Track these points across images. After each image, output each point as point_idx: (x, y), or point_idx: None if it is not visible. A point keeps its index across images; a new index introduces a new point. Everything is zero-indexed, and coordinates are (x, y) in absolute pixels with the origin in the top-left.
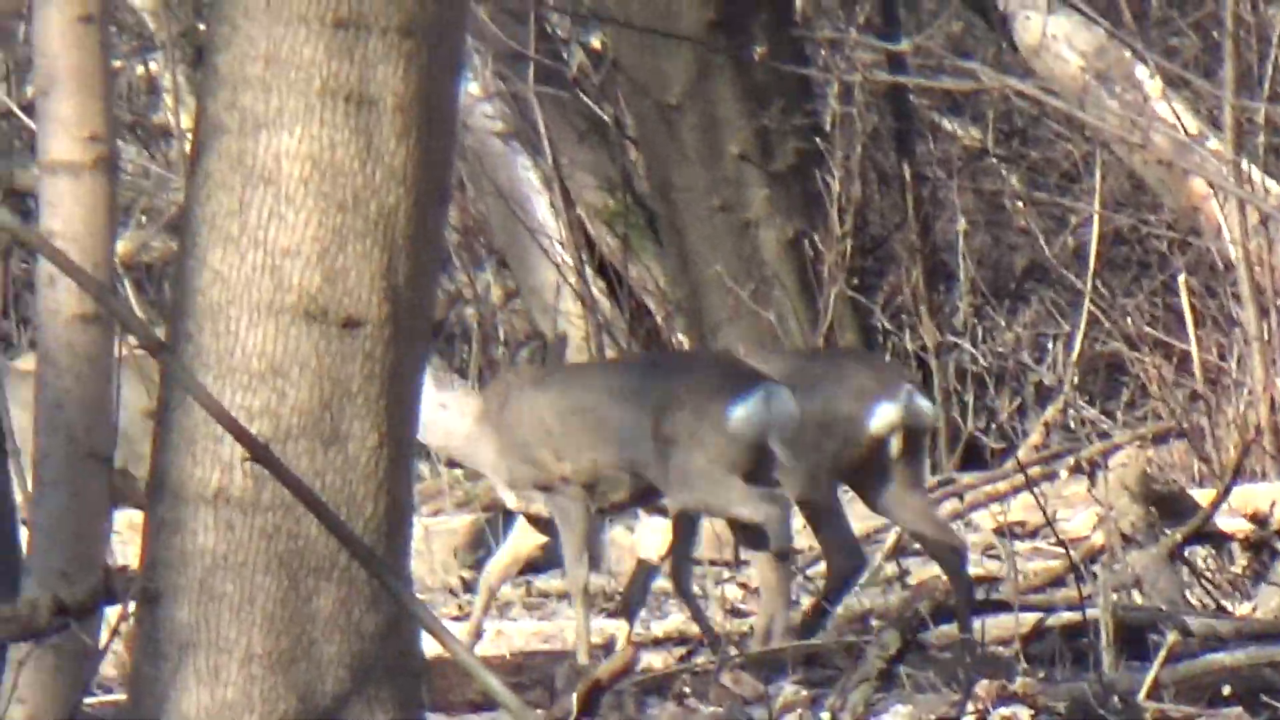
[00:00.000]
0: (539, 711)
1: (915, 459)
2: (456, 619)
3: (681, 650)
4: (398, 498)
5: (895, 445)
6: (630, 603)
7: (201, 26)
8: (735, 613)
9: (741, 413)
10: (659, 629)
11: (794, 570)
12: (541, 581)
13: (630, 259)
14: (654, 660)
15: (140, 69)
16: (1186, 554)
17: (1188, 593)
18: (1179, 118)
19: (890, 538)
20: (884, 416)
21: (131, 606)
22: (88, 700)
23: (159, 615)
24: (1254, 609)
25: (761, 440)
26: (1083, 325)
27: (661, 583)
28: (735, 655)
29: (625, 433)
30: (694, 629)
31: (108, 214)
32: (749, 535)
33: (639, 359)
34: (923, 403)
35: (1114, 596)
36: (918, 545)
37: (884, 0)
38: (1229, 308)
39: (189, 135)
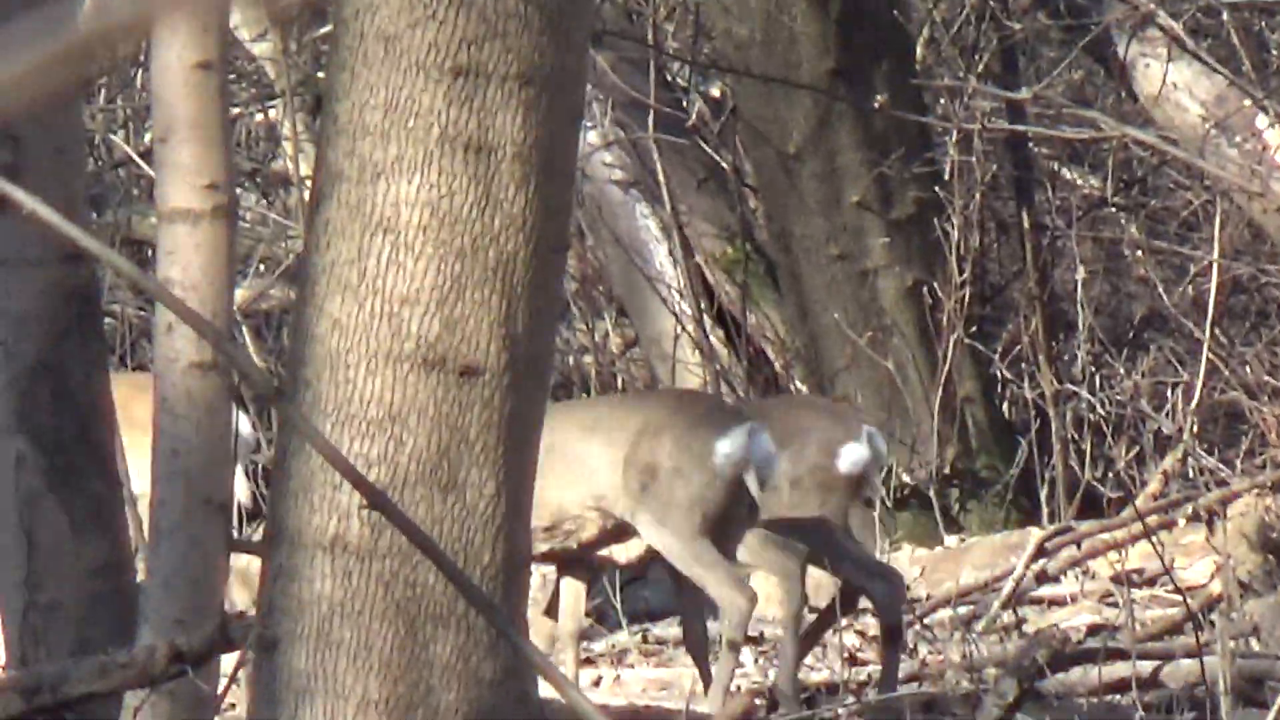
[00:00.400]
0: None
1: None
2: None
3: (801, 698)
4: (515, 546)
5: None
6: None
7: (320, 75)
8: (853, 660)
9: (727, 447)
10: (775, 676)
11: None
12: (660, 629)
13: (749, 307)
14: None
15: (259, 116)
16: None
17: None
18: None
19: (1008, 586)
20: (851, 457)
21: (249, 654)
22: None
23: (276, 662)
24: None
25: (741, 477)
26: (1201, 374)
27: (778, 630)
28: (854, 703)
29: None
30: (812, 678)
31: (227, 262)
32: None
33: (611, 397)
34: (881, 444)
35: (1232, 644)
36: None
37: (1004, 49)
38: None
39: (308, 183)
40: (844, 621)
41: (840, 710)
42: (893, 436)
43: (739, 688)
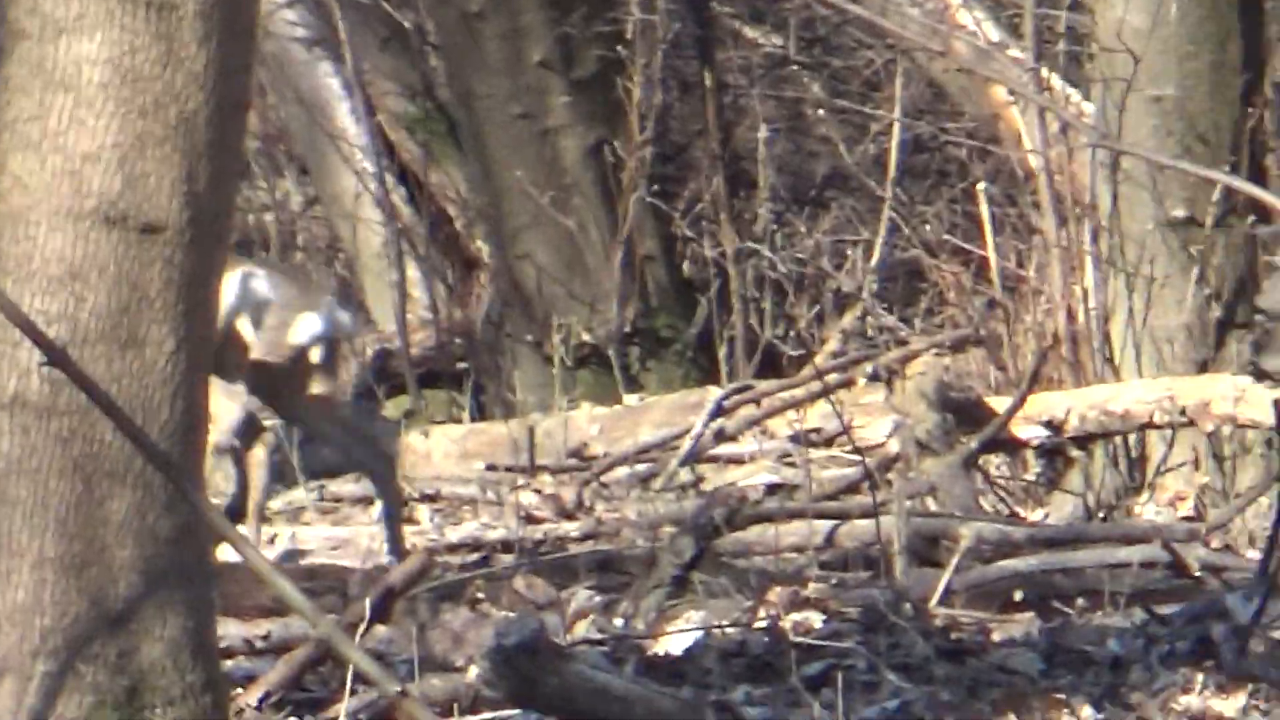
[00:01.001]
0: (332, 617)
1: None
2: None
3: (476, 556)
4: (193, 403)
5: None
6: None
7: None
8: (530, 519)
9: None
10: (453, 535)
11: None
12: (336, 486)
13: (431, 166)
14: (449, 565)
15: None
16: (981, 461)
17: (982, 500)
18: (980, 25)
19: (686, 444)
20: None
21: None
22: None
23: None
24: (1047, 516)
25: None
26: (882, 233)
27: (457, 489)
28: (529, 561)
29: None
30: (488, 535)
31: None
32: None
33: None
34: (342, 315)
35: (908, 504)
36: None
37: None
38: (1028, 216)
39: None
40: (521, 481)
41: (514, 568)
42: (573, 296)
43: (414, 546)
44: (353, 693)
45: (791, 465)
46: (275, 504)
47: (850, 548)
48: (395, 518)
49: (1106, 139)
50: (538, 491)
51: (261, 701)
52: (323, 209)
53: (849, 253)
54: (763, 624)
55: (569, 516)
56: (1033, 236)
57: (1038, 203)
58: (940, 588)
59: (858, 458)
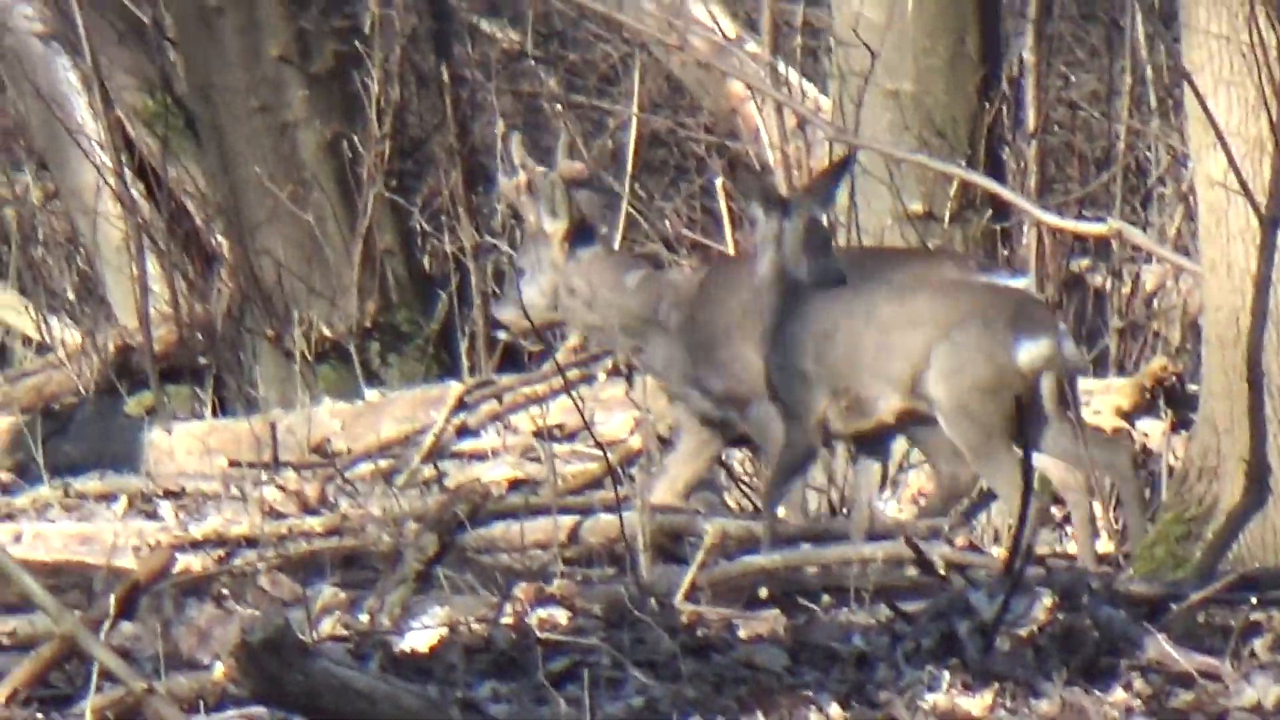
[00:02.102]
0: (77, 613)
1: None
2: None
3: (220, 552)
4: None
5: None
6: None
7: None
8: (274, 514)
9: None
10: (197, 530)
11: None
12: (80, 483)
13: (170, 160)
14: (193, 562)
15: None
16: (724, 457)
17: (725, 495)
18: (717, 20)
19: (428, 439)
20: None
21: None
22: None
23: None
24: (787, 512)
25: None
26: (621, 227)
27: (200, 485)
28: (273, 557)
29: None
30: (232, 530)
31: None
32: None
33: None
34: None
35: (651, 499)
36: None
37: None
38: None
39: None
40: (264, 476)
41: (260, 563)
42: (313, 290)
43: (158, 542)
44: (99, 689)
45: (535, 461)
46: (20, 500)
47: (594, 543)
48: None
49: (844, 134)
50: (281, 488)
51: (9, 699)
52: (63, 204)
53: None
54: (507, 619)
55: (313, 512)
56: None
57: None
58: (685, 583)
59: (600, 453)
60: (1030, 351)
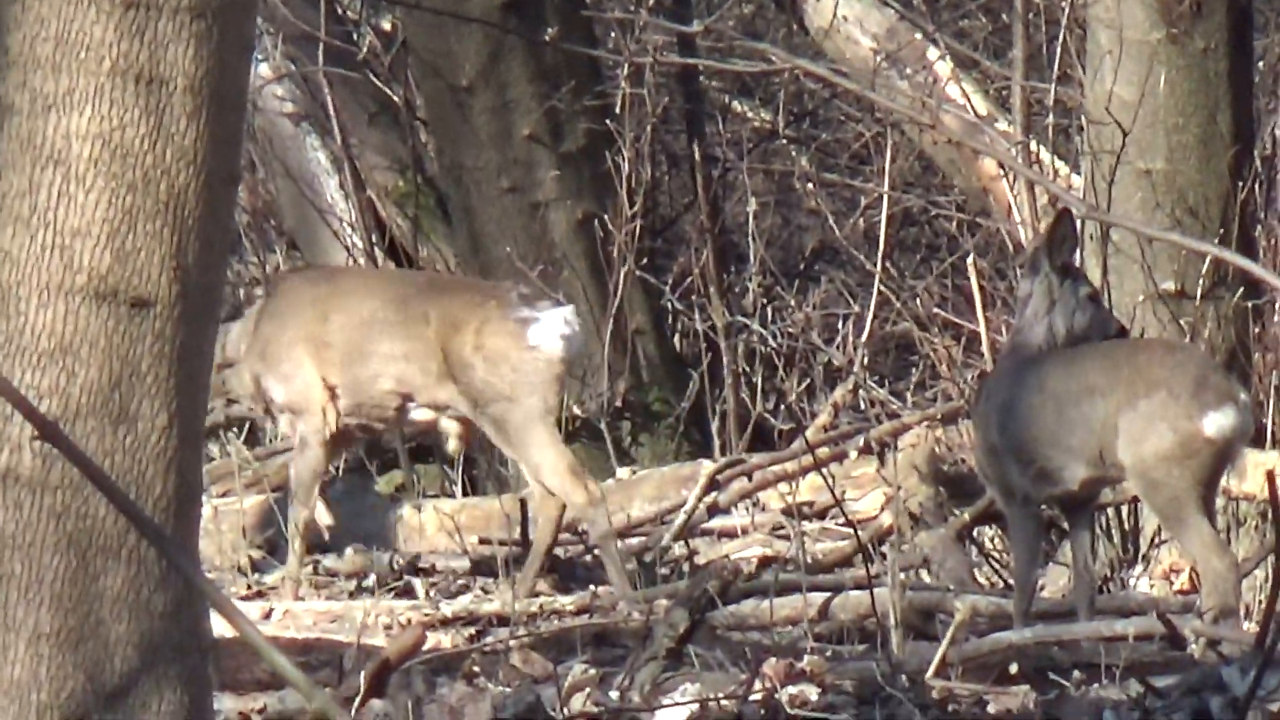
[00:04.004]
0: (327, 691)
1: None
2: (245, 598)
3: (472, 630)
4: (187, 477)
5: None
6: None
7: None
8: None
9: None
10: (448, 608)
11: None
12: (330, 561)
13: (421, 240)
14: (444, 640)
15: None
16: (975, 534)
17: (976, 572)
18: (969, 99)
19: (679, 518)
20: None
21: None
22: None
23: None
24: (1041, 588)
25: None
26: (872, 306)
27: (452, 563)
28: (525, 635)
29: None
30: (483, 608)
31: None
32: None
33: None
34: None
35: (902, 576)
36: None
37: None
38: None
39: None
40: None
41: (512, 641)
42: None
43: (409, 620)
44: None
45: (784, 538)
46: (269, 578)
47: (845, 620)
48: None
49: (1095, 211)
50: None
51: None
52: None
53: (839, 326)
54: (758, 696)
55: (564, 590)
56: None
57: None
58: (936, 660)
59: (850, 530)
60: (1218, 422)
